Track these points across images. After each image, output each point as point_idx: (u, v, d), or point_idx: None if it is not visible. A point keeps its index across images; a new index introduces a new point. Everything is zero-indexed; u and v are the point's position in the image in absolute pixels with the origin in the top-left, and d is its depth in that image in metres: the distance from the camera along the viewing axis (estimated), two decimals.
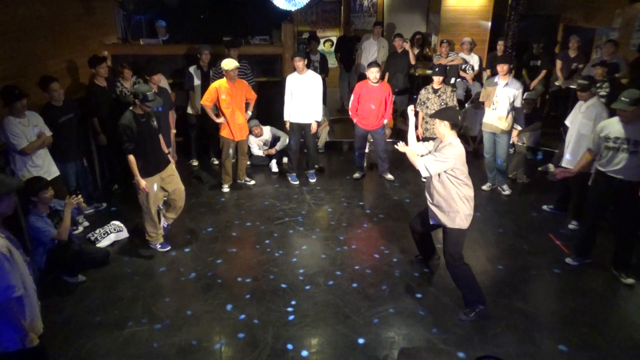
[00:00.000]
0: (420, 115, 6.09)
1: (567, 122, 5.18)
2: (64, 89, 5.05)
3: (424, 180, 6.40)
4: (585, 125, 4.79)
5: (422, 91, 6.09)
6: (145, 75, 5.43)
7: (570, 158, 4.95)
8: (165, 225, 5.02)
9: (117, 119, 4.39)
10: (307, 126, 6.17)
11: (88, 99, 5.63)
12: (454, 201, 3.62)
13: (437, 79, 5.92)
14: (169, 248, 4.78)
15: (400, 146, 3.87)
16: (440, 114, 3.68)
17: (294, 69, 5.99)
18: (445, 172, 3.59)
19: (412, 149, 3.81)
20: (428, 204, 3.87)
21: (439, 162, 3.55)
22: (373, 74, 5.92)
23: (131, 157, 4.32)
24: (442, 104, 5.87)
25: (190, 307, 3.93)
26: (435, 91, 5.94)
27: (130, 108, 4.39)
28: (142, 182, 4.40)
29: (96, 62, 5.57)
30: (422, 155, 3.75)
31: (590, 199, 4.44)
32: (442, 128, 3.63)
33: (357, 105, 6.16)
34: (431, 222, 3.90)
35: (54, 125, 4.70)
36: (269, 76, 7.25)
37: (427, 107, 5.98)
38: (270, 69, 7.29)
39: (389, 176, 6.49)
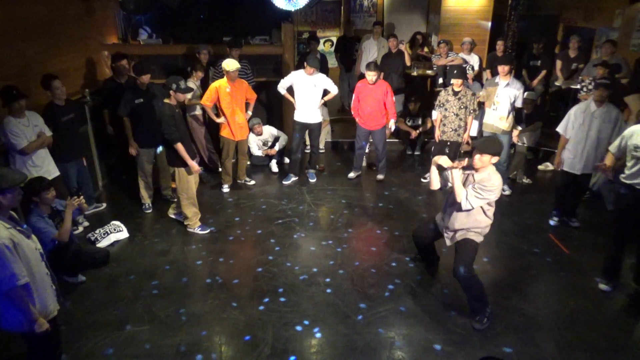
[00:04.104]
0: (439, 117, 5.95)
1: (563, 129, 4.91)
2: (75, 85, 5.07)
3: (424, 180, 6.45)
4: (605, 129, 4.66)
5: (442, 93, 5.96)
6: (134, 75, 5.43)
7: (591, 164, 4.78)
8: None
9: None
10: (311, 126, 6.19)
11: (103, 92, 5.81)
12: (479, 227, 3.77)
13: (457, 82, 5.73)
14: (208, 230, 5.07)
15: (443, 161, 3.68)
16: (490, 148, 3.50)
17: (298, 68, 5.96)
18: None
19: (458, 182, 3.64)
20: (443, 223, 3.91)
21: (483, 197, 3.56)
22: (370, 76, 5.90)
23: (180, 145, 4.56)
24: (462, 107, 5.77)
25: (190, 307, 3.93)
26: (455, 93, 5.79)
27: (165, 100, 4.57)
28: (196, 167, 4.70)
29: (117, 59, 5.82)
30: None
31: (619, 215, 4.11)
32: (488, 161, 3.54)
33: (359, 105, 6.16)
34: (447, 243, 3.94)
35: (56, 125, 4.70)
36: (269, 76, 7.25)
37: (445, 110, 5.86)
38: (270, 69, 7.29)
39: (379, 176, 6.48)
